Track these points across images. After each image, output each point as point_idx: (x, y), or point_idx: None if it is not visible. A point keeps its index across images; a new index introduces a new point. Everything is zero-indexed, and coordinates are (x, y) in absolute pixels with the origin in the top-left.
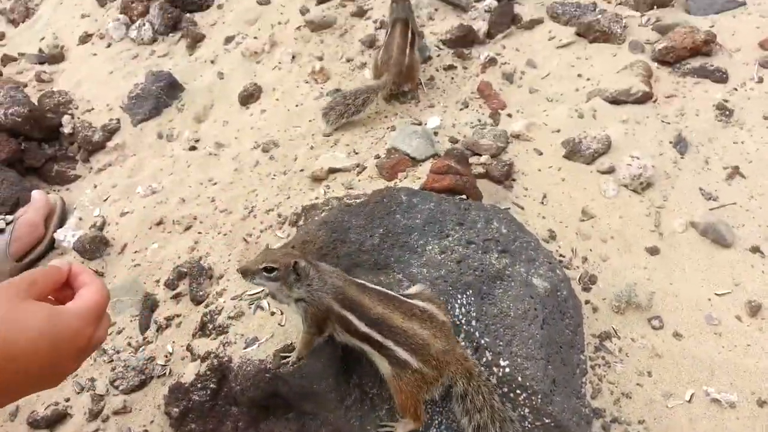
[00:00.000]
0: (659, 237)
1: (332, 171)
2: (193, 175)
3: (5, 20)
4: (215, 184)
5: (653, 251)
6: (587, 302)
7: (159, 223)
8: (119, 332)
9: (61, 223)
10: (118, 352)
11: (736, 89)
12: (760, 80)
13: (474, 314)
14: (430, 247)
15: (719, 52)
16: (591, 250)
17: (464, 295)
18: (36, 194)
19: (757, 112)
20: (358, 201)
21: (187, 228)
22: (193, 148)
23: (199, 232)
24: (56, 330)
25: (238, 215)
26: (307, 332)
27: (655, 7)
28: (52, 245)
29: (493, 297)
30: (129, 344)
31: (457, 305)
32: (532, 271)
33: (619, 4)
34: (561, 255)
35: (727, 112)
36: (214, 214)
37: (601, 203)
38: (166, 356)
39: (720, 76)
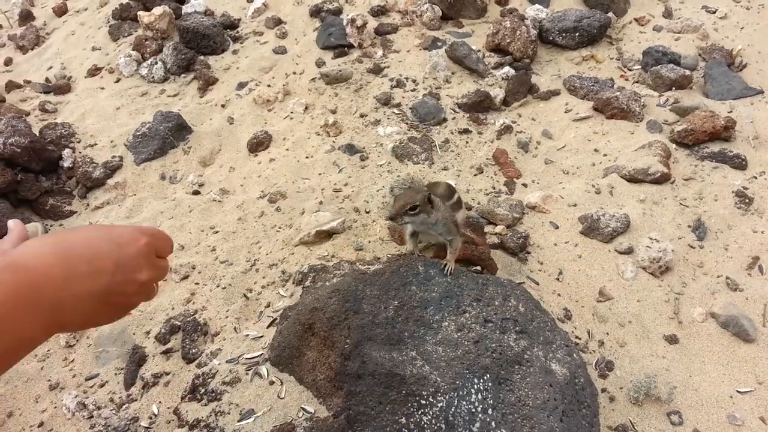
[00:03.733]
0: (678, 325)
1: (337, 232)
2: (195, 221)
3: (14, 46)
4: (217, 232)
5: (672, 340)
6: (604, 390)
7: None
8: (102, 385)
9: None
10: (99, 408)
11: (755, 177)
12: None
13: (491, 401)
14: (446, 323)
15: (738, 138)
16: (608, 333)
17: (481, 380)
18: (11, 223)
19: None
20: (372, 268)
21: (185, 277)
22: (196, 193)
23: (197, 283)
24: (116, 233)
25: (239, 268)
26: (457, 234)
27: (674, 88)
28: None
29: (511, 383)
30: (111, 400)
31: (473, 390)
32: (550, 355)
33: (636, 82)
34: (577, 337)
35: (747, 200)
36: (214, 264)
37: (618, 284)
38: (151, 418)
39: (739, 163)
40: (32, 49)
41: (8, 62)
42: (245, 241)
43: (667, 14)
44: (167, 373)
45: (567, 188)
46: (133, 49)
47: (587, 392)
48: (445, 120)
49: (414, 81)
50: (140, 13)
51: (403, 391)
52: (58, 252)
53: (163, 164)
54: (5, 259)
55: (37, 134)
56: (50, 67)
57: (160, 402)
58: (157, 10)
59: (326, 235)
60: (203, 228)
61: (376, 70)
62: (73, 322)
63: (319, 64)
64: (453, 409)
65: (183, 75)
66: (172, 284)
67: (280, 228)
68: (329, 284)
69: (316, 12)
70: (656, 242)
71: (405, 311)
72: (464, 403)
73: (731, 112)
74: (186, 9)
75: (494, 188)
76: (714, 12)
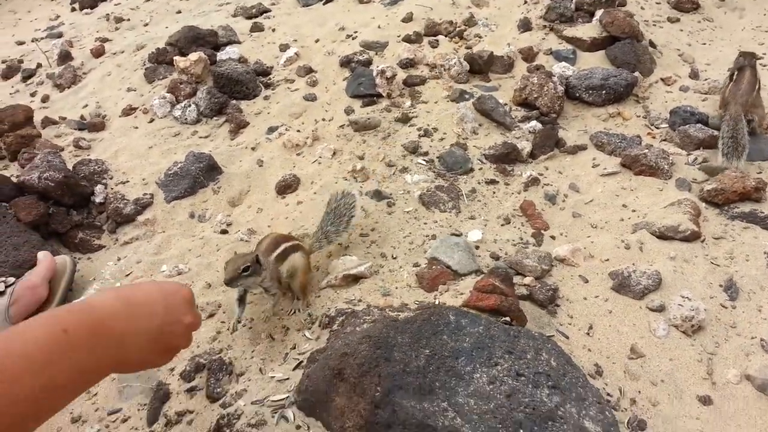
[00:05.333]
0: (712, 386)
1: (365, 276)
2: (221, 260)
3: (52, 84)
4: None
5: (706, 401)
6: None
7: None
8: (124, 420)
9: (72, 286)
10: None
11: None
12: None
13: None
14: (478, 375)
15: None
16: (639, 392)
17: None
18: (41, 255)
19: None
20: (402, 315)
21: (211, 315)
22: (224, 232)
23: (223, 322)
24: (163, 285)
25: (264, 308)
26: (278, 290)
27: (701, 147)
28: None
29: None
30: None
31: None
32: (583, 412)
33: (664, 140)
34: (608, 394)
35: None
36: None
37: (650, 342)
38: None
39: None
40: (69, 88)
41: (45, 99)
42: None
43: (694, 75)
44: (191, 412)
45: (596, 242)
46: (168, 92)
47: None
48: (472, 170)
49: (442, 131)
50: (176, 58)
51: None
52: (121, 297)
53: (192, 203)
54: (82, 303)
55: (71, 169)
56: (86, 105)
57: None
58: (193, 56)
59: (353, 279)
60: None
61: (404, 120)
62: (131, 360)
63: (348, 111)
64: None
65: (215, 118)
66: None
67: None
68: (359, 329)
69: (346, 62)
70: (688, 300)
71: (436, 360)
72: None
73: (761, 173)
74: (221, 56)
75: (522, 239)
76: None
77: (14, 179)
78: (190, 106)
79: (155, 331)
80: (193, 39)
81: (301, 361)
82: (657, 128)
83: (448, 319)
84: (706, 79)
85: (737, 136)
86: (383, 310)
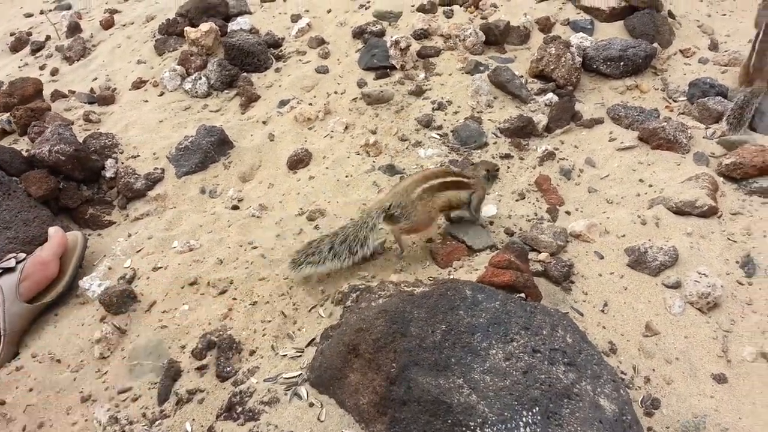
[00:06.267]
0: (727, 364)
1: (378, 252)
2: (233, 236)
3: (61, 57)
4: (255, 248)
5: (720, 379)
6: (650, 429)
7: (193, 283)
8: (135, 399)
9: (82, 263)
10: (131, 423)
11: None
12: None
13: None
14: (494, 351)
15: None
16: (654, 370)
17: (530, 413)
18: (52, 231)
19: None
20: (417, 290)
21: (222, 292)
22: (235, 207)
23: (234, 298)
24: None
25: (276, 285)
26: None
27: (720, 121)
28: (71, 287)
29: (560, 417)
30: (144, 415)
31: (521, 423)
32: (598, 389)
33: (682, 113)
34: (622, 372)
35: None
36: (251, 280)
37: (665, 319)
38: None
39: None
40: (78, 60)
41: (54, 72)
42: (284, 258)
43: (713, 47)
44: (201, 390)
45: (611, 218)
46: (178, 64)
47: (634, 430)
48: (486, 144)
49: (456, 104)
50: (187, 29)
51: (449, 420)
52: None
53: (203, 178)
54: None
55: (81, 143)
56: (95, 78)
57: (193, 419)
58: (204, 27)
59: (381, 254)
60: (242, 243)
61: (418, 92)
62: None
63: (361, 84)
64: None
65: (226, 91)
66: (209, 299)
67: None
68: (375, 305)
69: (359, 33)
70: (705, 277)
71: (452, 336)
72: None
73: None
74: (232, 27)
75: (536, 215)
76: None
77: (24, 153)
78: (200, 78)
79: None
80: (203, 9)
81: (314, 338)
82: (675, 101)
83: (464, 294)
84: (726, 51)
85: (744, 109)
86: (398, 285)
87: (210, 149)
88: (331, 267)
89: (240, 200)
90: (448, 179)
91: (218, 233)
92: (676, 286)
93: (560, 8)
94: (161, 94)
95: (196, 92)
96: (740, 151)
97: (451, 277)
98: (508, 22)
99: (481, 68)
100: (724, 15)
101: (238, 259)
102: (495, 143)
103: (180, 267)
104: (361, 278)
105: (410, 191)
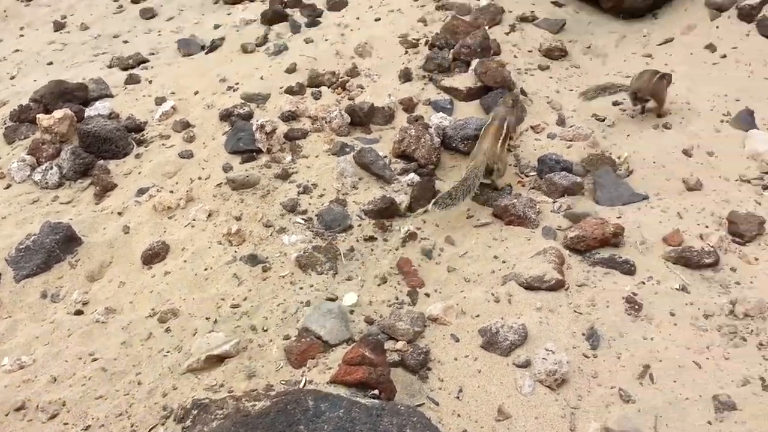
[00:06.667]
0: None
1: (230, 355)
2: (72, 347)
3: None
4: (95, 360)
5: None
6: None
7: (19, 409)
8: None
9: None
10: None
11: (643, 282)
12: (665, 277)
13: None
14: None
15: (627, 243)
16: None
17: None
18: None
19: (664, 308)
20: (257, 405)
21: (52, 416)
22: (79, 312)
23: (66, 423)
24: None
25: (114, 404)
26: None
27: (566, 195)
28: None
29: None
30: None
31: None
32: None
33: (533, 188)
34: None
35: (636, 306)
36: (86, 400)
37: (516, 401)
38: None
39: (628, 268)
40: None
41: None
42: (126, 369)
43: (561, 122)
44: None
45: (468, 297)
46: (28, 153)
47: None
48: (350, 227)
49: (321, 187)
50: (39, 115)
51: None
52: None
53: (45, 280)
54: None
55: None
56: None
57: None
58: (58, 113)
59: (217, 360)
60: (81, 355)
61: (284, 176)
62: None
63: (227, 169)
64: None
65: (80, 181)
66: (38, 426)
67: (168, 352)
68: (207, 429)
69: (226, 116)
70: (552, 354)
71: None
72: None
73: (620, 217)
74: (89, 112)
75: (398, 299)
76: (603, 120)
77: None
78: (51, 168)
79: None
80: (60, 94)
81: None
82: (527, 176)
83: (306, 406)
84: (571, 126)
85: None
86: (239, 401)
87: (54, 248)
88: (462, 202)
89: (85, 303)
90: (502, 132)
91: (56, 345)
92: (526, 365)
93: (422, 89)
94: (7, 187)
95: (47, 183)
96: (583, 224)
97: (304, 378)
98: (372, 104)
99: (347, 149)
100: (571, 90)
101: (74, 375)
102: (359, 225)
103: (7, 390)
104: (208, 388)
105: (494, 148)
